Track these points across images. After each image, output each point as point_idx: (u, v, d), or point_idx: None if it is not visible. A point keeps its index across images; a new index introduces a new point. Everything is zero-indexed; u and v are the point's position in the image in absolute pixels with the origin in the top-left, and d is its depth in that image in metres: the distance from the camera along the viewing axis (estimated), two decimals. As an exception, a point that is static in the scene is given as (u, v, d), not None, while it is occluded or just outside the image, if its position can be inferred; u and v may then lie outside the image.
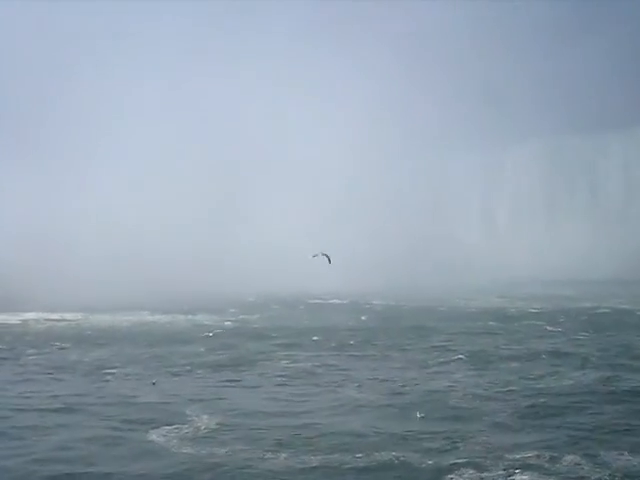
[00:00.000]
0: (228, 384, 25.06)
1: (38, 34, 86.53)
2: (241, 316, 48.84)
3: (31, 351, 32.98)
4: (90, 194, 76.18)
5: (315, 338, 36.51)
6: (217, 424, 19.19)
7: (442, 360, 29.24)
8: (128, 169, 79.39)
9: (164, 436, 18.16)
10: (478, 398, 21.61)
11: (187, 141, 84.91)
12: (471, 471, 15.05)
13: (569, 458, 15.68)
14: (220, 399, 22.50)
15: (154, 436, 18.18)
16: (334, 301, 60.10)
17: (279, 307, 55.94)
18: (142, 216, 71.37)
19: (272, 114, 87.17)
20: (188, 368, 28.06)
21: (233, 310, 52.49)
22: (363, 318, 47.05)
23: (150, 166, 78.56)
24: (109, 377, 26.33)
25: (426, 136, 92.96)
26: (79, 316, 48.58)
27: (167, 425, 19.06)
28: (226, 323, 44.78)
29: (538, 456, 15.84)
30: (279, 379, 25.44)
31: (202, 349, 33.27)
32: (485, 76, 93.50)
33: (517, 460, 15.60)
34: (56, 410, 20.93)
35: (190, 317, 48.38)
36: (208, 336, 38.06)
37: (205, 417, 19.84)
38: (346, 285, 64.49)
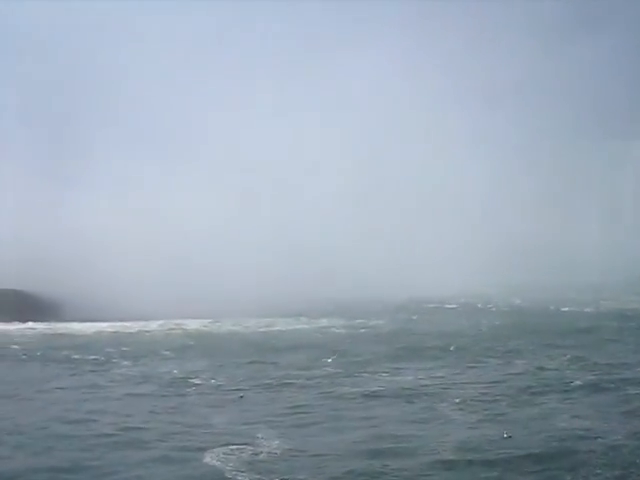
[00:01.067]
0: (319, 398, 22.22)
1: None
2: (356, 321, 46.47)
3: (126, 362, 31.75)
4: (171, 196, 76.21)
5: (430, 345, 33.59)
6: (286, 448, 16.43)
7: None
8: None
9: (220, 459, 15.59)
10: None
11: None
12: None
13: None
14: (303, 416, 19.75)
15: (208, 458, 15.67)
16: (450, 305, 56.68)
17: (394, 311, 52.95)
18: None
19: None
20: (286, 380, 25.50)
21: (348, 315, 50.34)
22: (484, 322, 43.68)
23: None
24: (191, 389, 24.15)
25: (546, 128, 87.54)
26: (185, 323, 48.05)
27: (230, 446, 16.51)
28: (335, 330, 42.53)
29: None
30: (377, 397, 22.28)
31: (305, 357, 31.15)
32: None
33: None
34: (117, 429, 18.73)
35: (295, 322, 47.09)
36: (313, 343, 35.74)
37: (276, 440, 17.14)
38: (464, 286, 60.93)
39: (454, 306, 55.96)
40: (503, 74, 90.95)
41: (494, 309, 53.73)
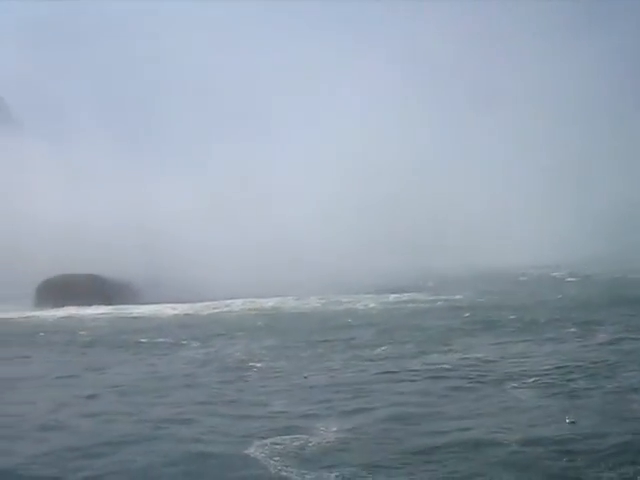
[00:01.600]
0: (385, 380, 20.47)
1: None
2: (433, 295, 45.14)
3: (195, 344, 30.98)
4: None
5: (512, 317, 31.47)
6: (341, 437, 14.80)
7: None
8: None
9: (264, 450, 14.10)
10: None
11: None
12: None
13: None
14: (366, 399, 18.08)
15: (252, 449, 14.17)
16: (524, 277, 54.29)
17: (481, 282, 50.94)
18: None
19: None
20: (354, 360, 23.92)
21: (431, 285, 48.71)
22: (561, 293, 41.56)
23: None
24: (253, 372, 22.85)
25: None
26: (264, 303, 48.08)
27: (278, 435, 15.00)
28: (412, 305, 40.82)
29: None
30: (446, 373, 20.36)
31: (377, 334, 29.75)
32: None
33: None
34: (160, 419, 17.45)
35: (375, 297, 45.79)
36: (388, 320, 34.25)
37: (334, 426, 15.54)
38: (537, 257, 58.69)
39: (527, 277, 54.56)
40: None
41: (571, 279, 51.70)
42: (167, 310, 48.53)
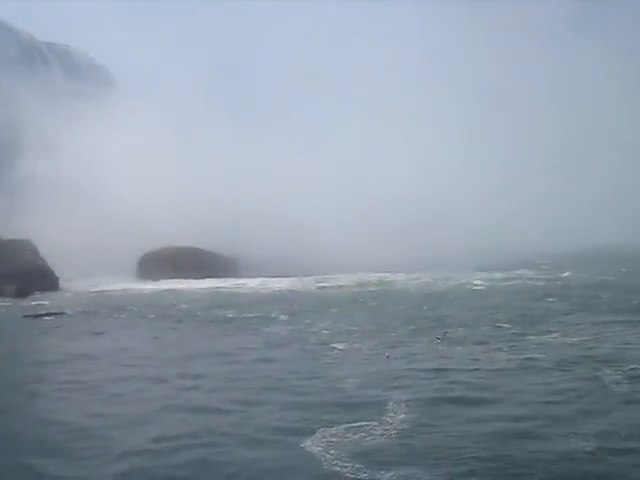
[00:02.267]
0: (472, 362, 19.06)
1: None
2: (550, 272, 42.91)
3: (284, 318, 31.00)
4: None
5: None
6: (407, 427, 13.64)
7: None
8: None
9: (321, 442, 13.10)
10: None
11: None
12: None
13: None
14: (448, 385, 16.81)
15: (309, 442, 13.21)
16: None
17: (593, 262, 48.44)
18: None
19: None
20: (444, 340, 22.61)
21: (545, 263, 46.74)
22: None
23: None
24: (334, 352, 21.89)
25: None
26: (369, 277, 48.71)
27: (340, 424, 13.99)
28: (526, 282, 38.97)
29: None
30: (534, 367, 18.57)
31: (476, 314, 28.15)
32: None
33: None
34: (221, 400, 16.76)
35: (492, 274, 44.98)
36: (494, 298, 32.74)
37: (403, 413, 14.42)
38: None
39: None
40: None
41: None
42: (272, 284, 48.61)
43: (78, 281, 52.34)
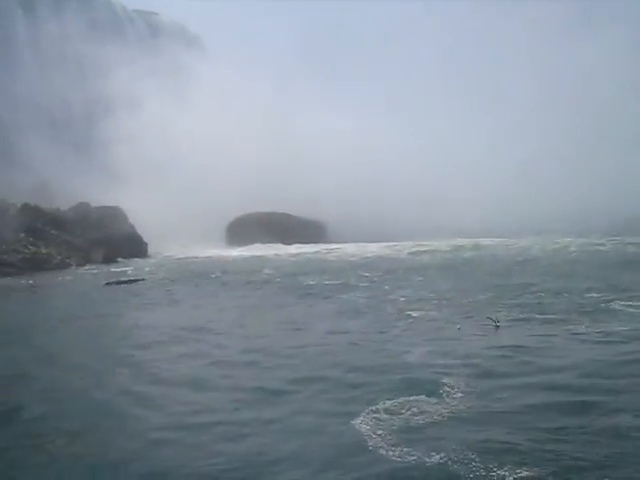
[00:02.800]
0: (545, 338, 17.49)
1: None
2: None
3: (363, 285, 29.99)
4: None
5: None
6: (464, 405, 12.44)
7: None
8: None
9: (371, 422, 12.04)
10: None
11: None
12: None
13: None
14: (515, 362, 15.40)
15: (359, 420, 12.17)
16: None
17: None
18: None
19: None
20: (519, 312, 21.09)
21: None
22: None
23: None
24: (407, 321, 20.72)
25: None
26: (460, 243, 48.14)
27: (397, 397, 12.91)
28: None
29: None
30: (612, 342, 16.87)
31: (564, 283, 26.16)
32: None
33: None
34: (282, 380, 15.91)
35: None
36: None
37: (460, 392, 13.20)
38: None
39: None
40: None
41: None
42: (362, 250, 47.83)
43: (167, 247, 52.90)
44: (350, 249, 49.16)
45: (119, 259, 47.40)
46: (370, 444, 11.23)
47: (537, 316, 20.09)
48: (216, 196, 55.99)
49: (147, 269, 41.37)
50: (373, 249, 48.39)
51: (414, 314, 21.69)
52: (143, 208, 53.14)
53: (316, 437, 11.89)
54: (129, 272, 40.07)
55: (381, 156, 64.88)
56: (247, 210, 57.55)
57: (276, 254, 47.12)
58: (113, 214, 51.99)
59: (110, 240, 48.76)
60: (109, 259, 46.73)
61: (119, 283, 35.00)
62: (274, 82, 73.17)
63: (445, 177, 64.22)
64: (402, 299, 25.07)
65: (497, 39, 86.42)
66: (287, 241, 52.60)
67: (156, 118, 63.59)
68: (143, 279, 35.94)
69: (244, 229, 56.10)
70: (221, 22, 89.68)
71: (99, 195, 52.55)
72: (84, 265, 45.16)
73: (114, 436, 12.32)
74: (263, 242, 52.91)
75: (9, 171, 54.33)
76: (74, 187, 53.71)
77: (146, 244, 52.35)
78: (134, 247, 50.70)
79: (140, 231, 52.80)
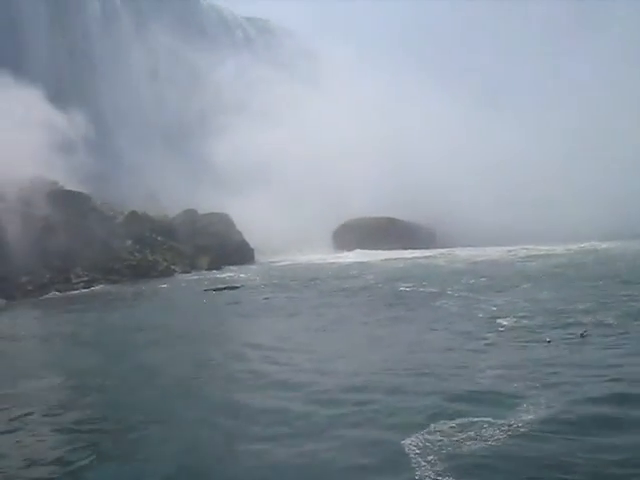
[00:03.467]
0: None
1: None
2: None
3: (458, 295, 28.30)
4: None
5: None
6: (526, 432, 11.32)
7: None
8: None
9: (421, 442, 11.18)
10: None
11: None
12: None
13: None
14: (605, 379, 14.04)
15: (409, 440, 11.32)
16: None
17: None
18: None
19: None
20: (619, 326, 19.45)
21: None
22: None
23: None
24: (493, 333, 19.55)
25: None
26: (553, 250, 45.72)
27: (454, 418, 11.97)
28: None
29: None
30: None
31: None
32: None
33: None
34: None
35: None
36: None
37: (533, 414, 12.08)
38: None
39: None
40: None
41: None
42: (470, 255, 46.50)
43: (273, 253, 53.08)
44: (460, 254, 47.78)
45: (224, 265, 47.79)
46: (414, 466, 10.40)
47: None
48: (323, 201, 55.82)
49: (249, 275, 41.53)
50: (484, 254, 46.80)
51: (504, 322, 20.55)
52: (251, 214, 53.58)
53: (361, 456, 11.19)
54: (229, 278, 40.31)
55: (494, 157, 62.88)
56: (354, 215, 57.06)
57: (381, 259, 46.36)
58: (220, 221, 52.58)
59: (216, 247, 49.36)
60: (214, 265, 47.27)
61: (217, 290, 35.14)
62: (383, 82, 72.12)
63: (556, 177, 61.75)
64: (497, 307, 23.83)
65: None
66: (394, 246, 51.74)
67: (265, 124, 63.99)
68: (241, 286, 35.99)
69: (350, 234, 55.69)
70: (327, 22, 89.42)
71: (207, 202, 53.33)
72: (189, 272, 45.84)
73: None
74: (369, 248, 52.20)
75: (119, 179, 56.06)
76: (183, 194, 54.78)
77: (252, 250, 52.71)
78: (240, 253, 51.13)
79: (248, 237, 53.18)
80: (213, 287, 36.23)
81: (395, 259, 46.41)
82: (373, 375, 15.67)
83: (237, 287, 35.80)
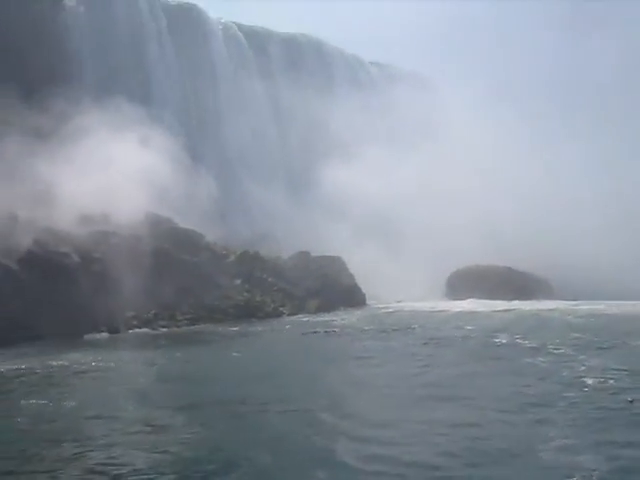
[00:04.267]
0: None
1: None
2: None
3: (558, 347, 27.27)
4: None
5: None
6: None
7: None
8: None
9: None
10: None
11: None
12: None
13: None
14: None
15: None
16: None
17: None
18: None
19: None
20: None
21: None
22: None
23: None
24: (583, 389, 18.64)
25: None
26: None
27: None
28: None
29: None
30: None
31: None
32: None
33: None
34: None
35: None
36: None
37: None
38: None
39: None
40: None
41: None
42: (584, 309, 44.56)
43: (384, 298, 52.55)
44: (576, 308, 45.65)
45: (333, 309, 47.72)
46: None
47: None
48: (438, 246, 54.93)
49: (352, 320, 41.42)
50: (603, 308, 44.70)
51: (589, 381, 19.55)
52: (365, 257, 53.40)
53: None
54: (332, 322, 40.29)
55: (622, 206, 60.40)
56: (468, 262, 55.76)
57: (492, 310, 45.01)
58: (332, 263, 52.62)
59: (326, 290, 49.40)
60: (323, 308, 47.19)
61: (315, 333, 35.22)
62: (505, 127, 70.56)
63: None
64: (588, 365, 22.69)
65: None
66: (510, 296, 49.98)
67: (382, 168, 63.96)
68: (339, 330, 35.94)
69: (465, 282, 54.34)
70: (451, 62, 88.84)
71: (320, 244, 53.51)
72: (297, 314, 45.99)
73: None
74: (484, 296, 50.81)
75: (234, 220, 57.37)
76: (298, 235, 55.33)
77: (363, 294, 52.39)
78: (351, 297, 50.90)
79: (360, 281, 52.94)
80: (312, 330, 36.31)
81: (507, 310, 45.08)
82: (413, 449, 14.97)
83: (335, 331, 35.72)
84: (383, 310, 47.56)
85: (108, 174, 43.78)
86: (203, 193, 51.95)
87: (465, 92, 71.30)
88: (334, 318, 42.97)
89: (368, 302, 52.33)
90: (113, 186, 43.21)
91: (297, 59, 77.08)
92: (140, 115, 49.70)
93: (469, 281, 54.09)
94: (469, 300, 50.52)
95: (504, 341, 29.92)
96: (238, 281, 46.85)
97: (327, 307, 47.79)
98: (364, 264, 52.62)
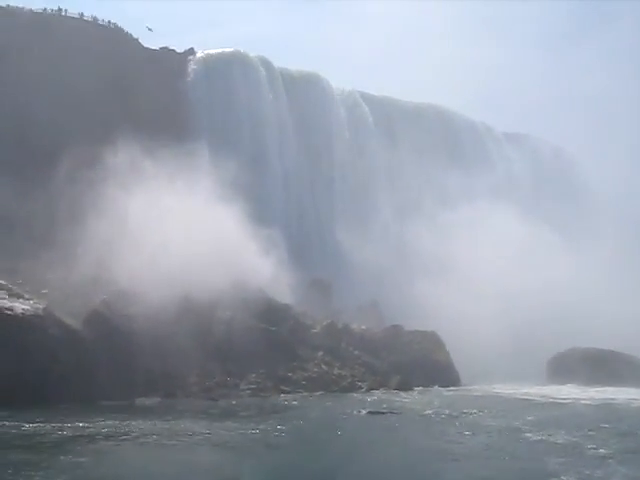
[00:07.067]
0: None
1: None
2: None
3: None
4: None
5: None
6: None
7: None
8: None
9: None
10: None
11: None
12: None
13: None
14: None
15: None
16: None
17: None
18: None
19: None
20: None
21: None
22: None
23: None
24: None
25: None
26: None
27: None
28: None
29: None
30: None
31: None
32: None
33: None
34: None
35: None
36: None
37: None
38: None
39: None
40: None
41: None
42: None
43: (480, 378, 49.77)
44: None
45: (417, 386, 45.63)
46: None
47: None
48: (540, 329, 52.35)
49: (426, 401, 39.35)
50: None
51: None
52: (467, 334, 51.16)
53: None
54: (400, 402, 38.39)
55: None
56: (574, 344, 52.28)
57: (578, 398, 41.57)
58: (425, 339, 50.80)
59: (412, 365, 47.58)
60: (404, 385, 45.03)
61: (377, 413, 33.70)
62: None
63: None
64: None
65: None
66: (613, 383, 46.08)
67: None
68: (399, 412, 34.19)
69: (566, 365, 50.69)
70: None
71: (416, 320, 51.85)
72: (377, 389, 44.22)
73: None
74: (586, 382, 47.27)
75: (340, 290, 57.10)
76: (395, 310, 54.19)
77: (456, 373, 49.84)
78: (441, 375, 48.60)
79: (457, 358, 50.58)
80: (376, 409, 34.70)
81: (595, 398, 41.50)
82: None
83: (397, 413, 33.99)
84: (469, 393, 44.90)
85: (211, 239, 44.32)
86: (295, 264, 51.96)
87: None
88: (407, 398, 41.06)
89: (463, 381, 49.77)
90: (211, 252, 43.40)
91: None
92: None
93: (571, 364, 50.67)
94: (569, 386, 47.52)
95: (571, 439, 26.93)
96: (320, 352, 45.69)
97: (409, 383, 45.67)
98: (463, 340, 50.40)
